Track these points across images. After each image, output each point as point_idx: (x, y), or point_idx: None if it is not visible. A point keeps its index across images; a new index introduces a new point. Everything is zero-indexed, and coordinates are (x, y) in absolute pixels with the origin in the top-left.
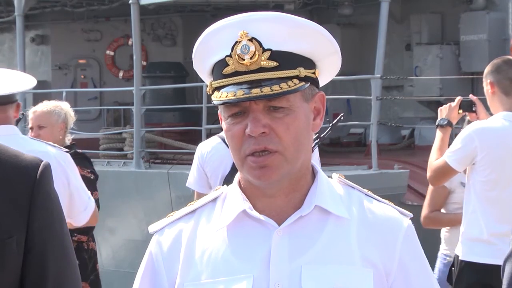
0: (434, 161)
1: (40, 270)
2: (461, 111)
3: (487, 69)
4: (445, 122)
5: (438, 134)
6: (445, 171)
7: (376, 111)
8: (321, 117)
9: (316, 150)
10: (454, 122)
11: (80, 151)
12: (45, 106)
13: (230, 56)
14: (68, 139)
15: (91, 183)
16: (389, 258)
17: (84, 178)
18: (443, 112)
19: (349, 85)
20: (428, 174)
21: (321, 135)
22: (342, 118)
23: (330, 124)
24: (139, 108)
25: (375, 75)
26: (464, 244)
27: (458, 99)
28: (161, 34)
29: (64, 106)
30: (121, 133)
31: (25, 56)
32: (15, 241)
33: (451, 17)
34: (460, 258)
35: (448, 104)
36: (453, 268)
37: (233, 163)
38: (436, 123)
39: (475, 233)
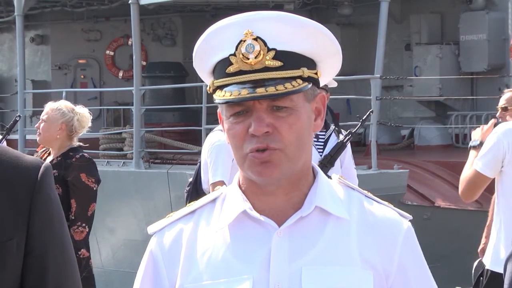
0: (464, 174)
1: (40, 272)
2: None
3: None
4: (477, 143)
5: (471, 155)
6: (476, 180)
7: (376, 111)
8: (322, 118)
9: (349, 147)
10: None
11: (87, 155)
12: (57, 103)
13: (234, 55)
14: (74, 141)
15: (92, 194)
16: (389, 260)
17: (87, 188)
18: (475, 134)
19: (348, 85)
20: (460, 188)
21: (353, 131)
22: (371, 113)
23: (360, 120)
24: (138, 108)
25: (375, 75)
26: (492, 254)
27: (492, 121)
28: (161, 34)
29: (79, 110)
30: (120, 133)
31: (25, 56)
32: (15, 243)
33: (450, 17)
34: (486, 267)
35: (481, 126)
36: (481, 278)
37: None
38: (469, 145)
39: (503, 243)
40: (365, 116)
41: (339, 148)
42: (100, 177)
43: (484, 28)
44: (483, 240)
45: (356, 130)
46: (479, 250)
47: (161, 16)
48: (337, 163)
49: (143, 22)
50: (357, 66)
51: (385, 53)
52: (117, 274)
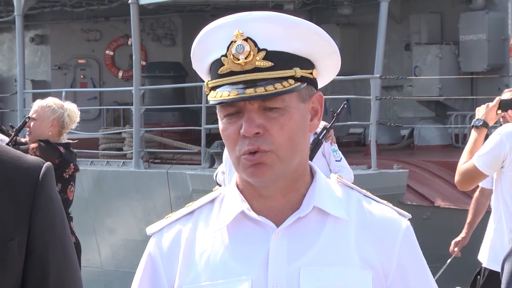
0: (462, 164)
1: (41, 272)
2: (500, 111)
3: None
4: (480, 123)
5: (472, 135)
6: (474, 175)
7: (376, 111)
8: (318, 118)
9: (345, 161)
10: (491, 123)
11: (61, 148)
12: (45, 101)
13: (225, 56)
14: (63, 138)
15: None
16: (388, 259)
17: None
18: (480, 112)
19: (348, 85)
20: (456, 178)
21: (328, 127)
22: (345, 106)
23: (335, 114)
24: (138, 108)
25: (375, 75)
26: (489, 252)
27: (498, 98)
28: (160, 34)
29: (68, 106)
30: (120, 133)
31: (25, 56)
32: (17, 243)
33: (450, 17)
34: (483, 265)
35: (486, 104)
36: (478, 277)
37: None
38: (471, 124)
39: (501, 241)
40: (339, 110)
41: (316, 144)
42: (100, 177)
43: (484, 28)
44: (462, 234)
45: (332, 124)
46: (453, 242)
47: (160, 16)
48: (322, 164)
49: (143, 22)
50: (357, 66)
51: (385, 53)
52: (117, 274)
